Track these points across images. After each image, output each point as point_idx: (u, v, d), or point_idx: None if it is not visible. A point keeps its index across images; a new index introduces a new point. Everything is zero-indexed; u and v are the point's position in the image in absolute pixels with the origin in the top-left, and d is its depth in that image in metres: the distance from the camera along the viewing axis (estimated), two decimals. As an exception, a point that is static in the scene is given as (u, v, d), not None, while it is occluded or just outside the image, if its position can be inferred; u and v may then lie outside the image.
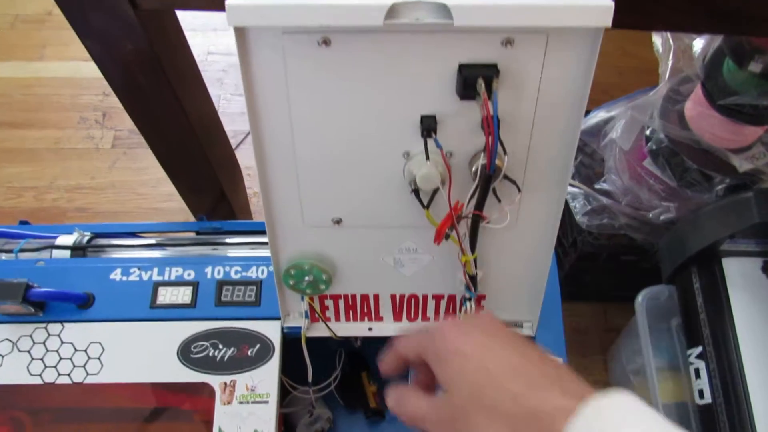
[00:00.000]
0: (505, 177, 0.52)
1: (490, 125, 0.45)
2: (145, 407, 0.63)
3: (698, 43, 0.81)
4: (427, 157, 0.48)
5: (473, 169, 0.51)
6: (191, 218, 1.05)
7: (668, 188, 0.87)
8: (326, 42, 0.44)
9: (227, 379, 0.62)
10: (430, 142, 0.48)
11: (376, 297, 0.64)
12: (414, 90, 0.47)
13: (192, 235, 0.82)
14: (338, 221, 0.56)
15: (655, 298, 0.90)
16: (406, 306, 0.65)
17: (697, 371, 0.80)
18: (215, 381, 0.62)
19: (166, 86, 0.75)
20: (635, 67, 1.24)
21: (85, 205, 1.24)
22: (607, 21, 0.41)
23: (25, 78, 1.38)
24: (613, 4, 0.41)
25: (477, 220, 0.53)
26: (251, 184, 1.25)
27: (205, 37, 1.36)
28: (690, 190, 0.85)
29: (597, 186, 1.00)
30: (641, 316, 0.89)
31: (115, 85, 0.75)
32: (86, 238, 0.74)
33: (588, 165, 1.04)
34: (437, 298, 0.64)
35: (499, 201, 0.53)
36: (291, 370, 0.69)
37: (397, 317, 0.66)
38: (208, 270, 0.68)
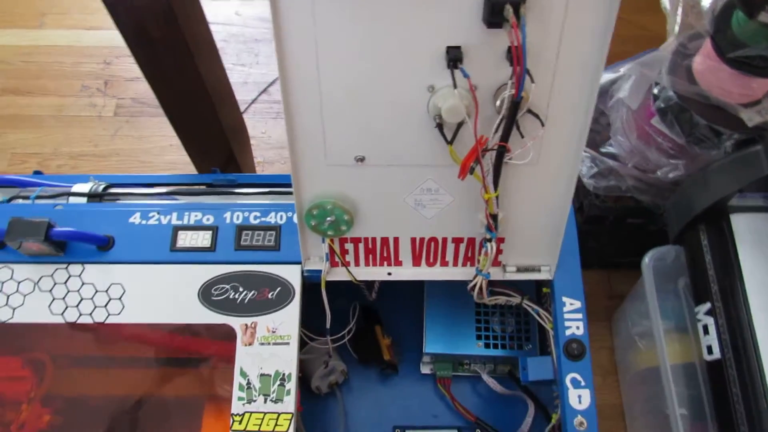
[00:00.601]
0: (529, 111, 0.52)
1: (519, 52, 0.45)
2: (167, 349, 0.63)
3: (707, -1, 0.82)
4: (455, 86, 0.49)
5: (497, 102, 0.52)
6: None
7: (676, 146, 0.88)
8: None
9: (248, 321, 0.62)
10: (457, 73, 0.48)
11: (396, 240, 0.64)
12: (440, 20, 0.47)
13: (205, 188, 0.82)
14: (361, 159, 0.56)
15: (662, 259, 0.90)
16: (426, 249, 0.65)
17: (705, 327, 0.80)
18: (236, 323, 0.62)
19: (180, 41, 0.75)
20: (638, 35, 1.24)
21: (89, 172, 1.23)
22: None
23: (26, 46, 1.37)
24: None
25: (502, 152, 0.53)
26: (255, 153, 1.24)
27: (205, 6, 1.35)
28: (698, 147, 0.86)
29: (603, 150, 1.00)
30: (648, 277, 0.89)
31: (128, 37, 0.74)
32: (101, 187, 0.73)
33: (593, 128, 1.05)
34: (457, 242, 0.64)
35: (522, 136, 0.54)
36: (305, 321, 0.69)
37: (416, 261, 0.66)
38: (227, 215, 0.68)
